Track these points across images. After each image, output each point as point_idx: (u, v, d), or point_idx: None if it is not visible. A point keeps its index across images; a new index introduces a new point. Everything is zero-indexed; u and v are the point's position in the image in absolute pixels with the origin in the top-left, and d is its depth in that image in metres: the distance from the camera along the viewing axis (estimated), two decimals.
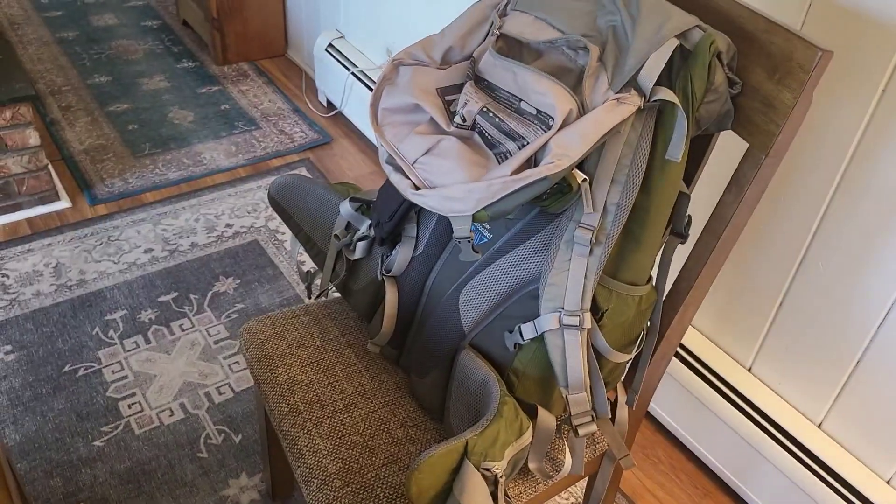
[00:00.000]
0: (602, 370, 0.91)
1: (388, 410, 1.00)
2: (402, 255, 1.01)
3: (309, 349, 1.07)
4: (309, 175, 2.25)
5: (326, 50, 2.46)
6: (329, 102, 2.60)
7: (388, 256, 1.03)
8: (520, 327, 0.89)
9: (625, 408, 1.00)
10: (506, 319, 0.91)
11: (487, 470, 0.80)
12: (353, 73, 2.33)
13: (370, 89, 2.26)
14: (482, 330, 0.94)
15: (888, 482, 1.21)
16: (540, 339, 0.87)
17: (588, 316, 0.85)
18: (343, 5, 2.42)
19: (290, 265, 1.89)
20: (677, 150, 0.80)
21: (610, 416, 0.96)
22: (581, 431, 0.88)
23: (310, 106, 2.62)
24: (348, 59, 2.37)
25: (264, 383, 1.03)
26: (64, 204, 2.06)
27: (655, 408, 1.55)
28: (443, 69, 0.90)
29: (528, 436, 0.85)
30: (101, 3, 3.20)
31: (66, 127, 2.37)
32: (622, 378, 1.00)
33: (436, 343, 0.97)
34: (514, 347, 0.90)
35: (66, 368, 1.60)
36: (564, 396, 0.87)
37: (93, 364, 1.62)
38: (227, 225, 2.02)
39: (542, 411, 0.90)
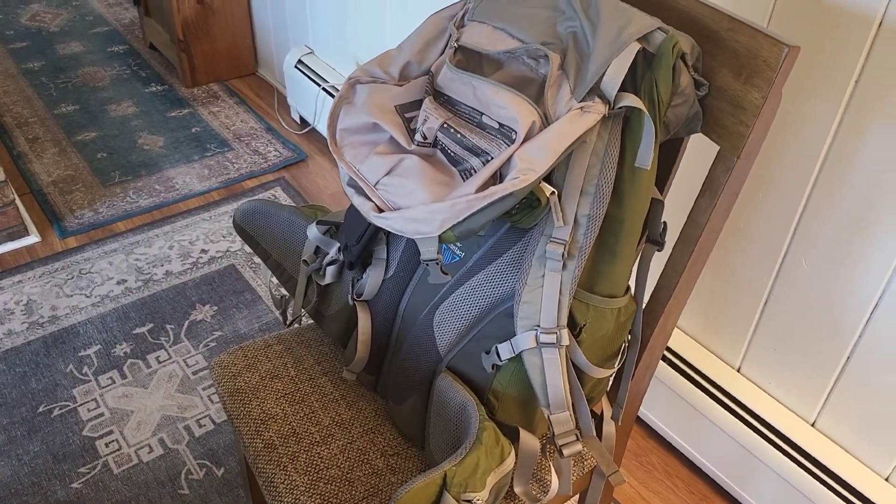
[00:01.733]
0: (584, 386, 0.88)
1: (367, 440, 0.97)
2: (372, 279, 0.98)
3: (283, 380, 1.03)
4: (285, 194, 2.22)
5: (296, 66, 2.42)
6: (302, 119, 2.57)
7: (358, 280, 0.99)
8: (496, 348, 0.85)
9: (611, 423, 0.97)
10: (482, 340, 0.88)
11: (468, 501, 0.77)
12: (324, 89, 2.30)
13: None
14: (459, 352, 0.90)
15: (887, 479, 1.18)
16: (518, 359, 0.84)
17: (565, 332, 0.82)
18: (311, 21, 2.39)
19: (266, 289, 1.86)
20: (647, 156, 0.78)
21: (596, 433, 0.93)
22: (566, 451, 0.85)
23: (283, 124, 2.58)
24: (319, 75, 2.34)
25: (237, 418, 0.99)
26: (33, 239, 2.01)
27: (646, 413, 1.52)
28: (401, 85, 0.87)
29: (510, 461, 0.82)
30: (66, 31, 3.15)
31: (33, 159, 2.33)
32: (607, 391, 0.97)
33: (412, 368, 0.94)
34: (493, 368, 0.86)
35: (41, 409, 1.56)
36: (547, 416, 0.84)
37: (67, 403, 1.57)
38: (203, 251, 1.98)
39: (524, 433, 0.87)
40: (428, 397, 0.93)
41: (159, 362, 1.66)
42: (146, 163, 2.33)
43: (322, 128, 2.39)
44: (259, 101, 2.71)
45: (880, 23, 0.97)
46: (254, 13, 2.72)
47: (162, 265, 1.93)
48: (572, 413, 0.84)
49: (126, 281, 1.88)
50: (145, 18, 2.91)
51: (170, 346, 1.70)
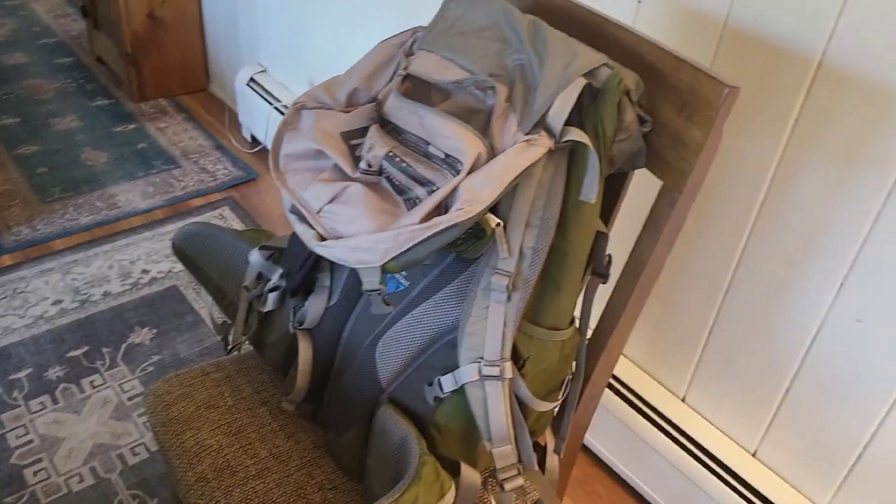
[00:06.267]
0: (527, 420, 0.87)
1: (304, 473, 0.94)
2: (315, 307, 0.95)
3: (219, 410, 1.00)
4: (233, 214, 2.17)
5: (248, 84, 2.40)
6: (254, 138, 2.53)
7: (300, 308, 0.97)
8: (439, 380, 0.84)
9: (554, 456, 0.96)
10: (425, 371, 0.87)
11: None
12: (276, 108, 2.27)
13: None
14: (401, 383, 0.89)
15: None
16: (461, 392, 0.83)
17: (509, 365, 0.81)
18: (264, 39, 2.37)
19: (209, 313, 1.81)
20: (591, 190, 0.78)
21: (539, 466, 0.92)
22: (507, 486, 0.84)
23: (233, 142, 2.54)
24: (271, 94, 2.31)
25: (170, 450, 0.96)
26: None
27: (592, 441, 1.52)
28: (348, 112, 0.85)
29: (449, 497, 0.80)
30: (10, 42, 3.06)
31: None
32: (550, 423, 0.97)
33: (353, 399, 0.92)
34: (435, 401, 0.85)
35: None
36: (489, 450, 0.83)
37: None
38: (144, 271, 1.92)
39: (465, 468, 0.86)
40: (368, 430, 0.91)
41: (94, 387, 1.60)
42: (88, 179, 2.27)
43: None
44: (209, 118, 2.66)
45: (819, 64, 1.00)
46: (206, 29, 2.69)
47: (100, 285, 1.87)
48: (514, 447, 0.83)
49: (62, 301, 1.81)
50: (94, 31, 2.84)
51: (105, 371, 1.64)
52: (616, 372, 1.44)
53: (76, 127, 2.52)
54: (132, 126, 2.55)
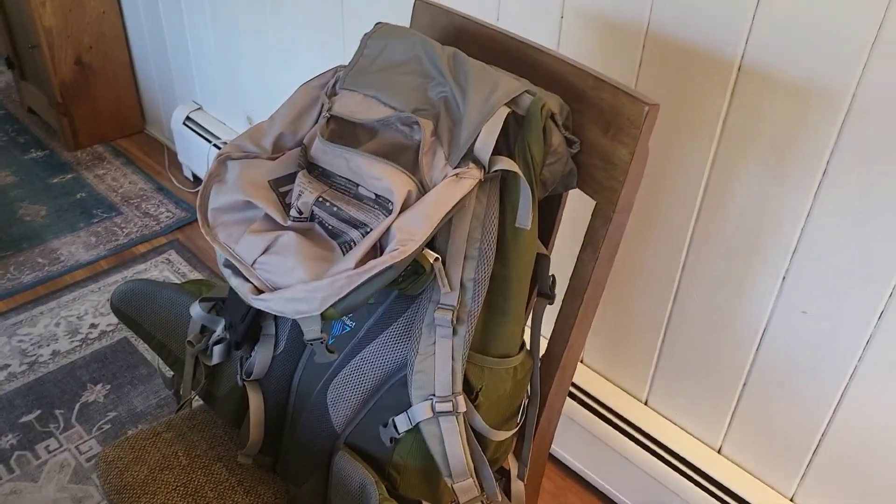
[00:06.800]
0: (486, 450, 0.86)
1: None
2: (261, 356, 0.93)
3: (174, 471, 0.97)
4: (180, 257, 2.13)
5: (185, 123, 2.36)
6: (195, 176, 2.49)
7: (247, 359, 0.95)
8: (393, 420, 0.83)
9: (519, 481, 0.95)
10: (379, 412, 0.85)
11: None
12: (215, 145, 2.24)
13: None
14: (356, 427, 0.87)
15: (791, 499, 1.22)
16: (416, 430, 0.82)
17: (461, 399, 0.80)
18: (197, 76, 2.33)
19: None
20: (525, 217, 0.78)
21: (504, 491, 0.91)
22: None
23: (175, 182, 2.49)
24: (208, 131, 2.28)
25: None
26: None
27: (562, 453, 1.52)
28: (274, 158, 0.84)
29: None
30: None
31: None
32: (511, 449, 0.96)
33: (309, 447, 0.90)
34: (391, 442, 0.84)
35: None
36: (450, 486, 0.82)
37: None
38: (92, 325, 1.87)
39: None
40: (328, 477, 0.89)
41: (49, 452, 1.55)
42: (28, 235, 2.20)
43: None
44: (148, 161, 2.61)
45: (739, 66, 1.02)
46: (137, 70, 2.64)
47: (48, 345, 1.81)
48: (476, 479, 0.83)
49: (9, 366, 1.75)
50: (21, 82, 2.77)
51: (60, 434, 1.59)
52: (578, 381, 1.45)
53: (11, 182, 2.45)
54: (69, 176, 2.49)
